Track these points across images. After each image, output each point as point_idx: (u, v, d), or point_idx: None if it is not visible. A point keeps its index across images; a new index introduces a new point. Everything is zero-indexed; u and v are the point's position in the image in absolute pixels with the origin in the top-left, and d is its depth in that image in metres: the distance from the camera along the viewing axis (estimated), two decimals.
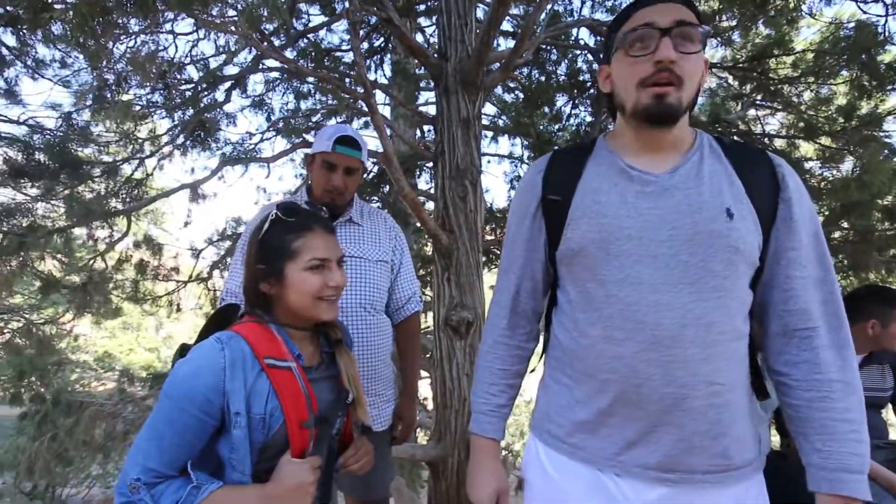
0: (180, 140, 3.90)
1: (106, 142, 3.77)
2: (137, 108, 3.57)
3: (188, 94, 3.67)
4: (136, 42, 3.18)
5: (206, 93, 3.81)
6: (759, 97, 4.55)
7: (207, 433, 0.96)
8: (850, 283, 4.50)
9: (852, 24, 3.81)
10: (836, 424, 0.86)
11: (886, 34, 3.24)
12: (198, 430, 0.94)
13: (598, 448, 0.93)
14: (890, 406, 2.13)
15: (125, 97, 3.49)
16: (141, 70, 2.64)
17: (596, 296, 0.92)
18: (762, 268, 0.92)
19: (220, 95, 3.95)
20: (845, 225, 4.35)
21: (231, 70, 4.05)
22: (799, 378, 0.90)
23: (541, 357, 1.17)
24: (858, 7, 3.17)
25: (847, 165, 4.04)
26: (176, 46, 3.65)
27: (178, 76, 3.74)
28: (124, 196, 3.88)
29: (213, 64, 3.94)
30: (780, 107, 4.51)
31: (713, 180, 0.91)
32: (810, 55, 4.21)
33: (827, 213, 4.42)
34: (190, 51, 3.78)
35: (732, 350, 0.89)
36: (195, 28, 3.37)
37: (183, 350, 1.08)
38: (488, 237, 5.98)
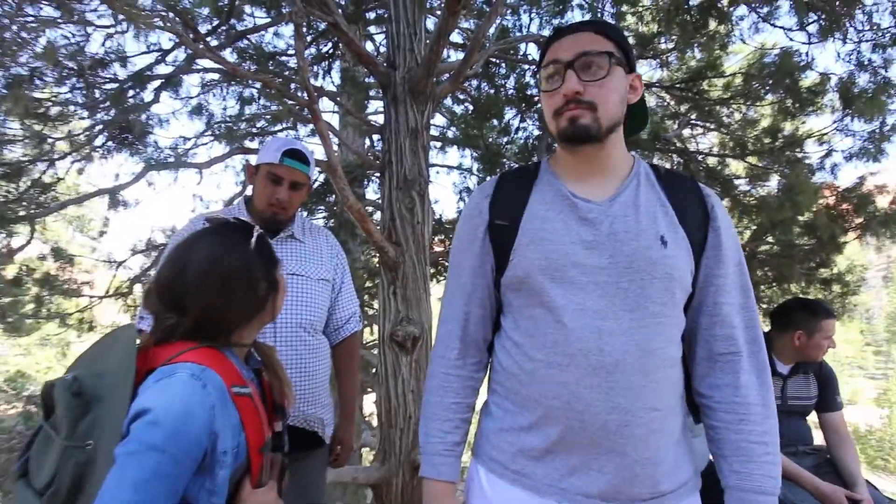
0: (102, 142, 3.55)
1: (9, 140, 3.36)
2: (52, 105, 3.23)
3: (113, 93, 3.35)
4: (50, 34, 2.90)
5: (132, 92, 3.50)
6: (694, 116, 4.80)
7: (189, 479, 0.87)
8: (776, 294, 4.81)
9: (777, 51, 4.11)
10: (753, 447, 0.89)
11: (809, 59, 3.49)
12: (186, 479, 0.84)
13: (540, 475, 0.93)
14: (814, 413, 2.24)
15: (39, 94, 3.17)
16: (54, 63, 2.38)
17: (541, 321, 0.93)
18: (693, 294, 0.96)
19: (149, 96, 3.66)
20: (770, 239, 4.65)
21: (164, 70, 3.77)
22: (720, 400, 0.94)
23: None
24: (785, 34, 3.39)
25: (772, 184, 4.33)
26: (88, 37, 3.29)
27: (102, 74, 3.43)
28: (29, 201, 3.47)
29: (143, 62, 3.64)
30: (712, 126, 4.78)
31: (648, 208, 0.94)
32: (739, 79, 4.50)
33: (755, 227, 4.70)
34: (104, 42, 3.41)
35: (669, 375, 0.91)
36: (116, 21, 3.09)
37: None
38: (437, 248, 5.93)
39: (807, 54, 3.50)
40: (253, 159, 1.72)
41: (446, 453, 1.03)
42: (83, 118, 3.51)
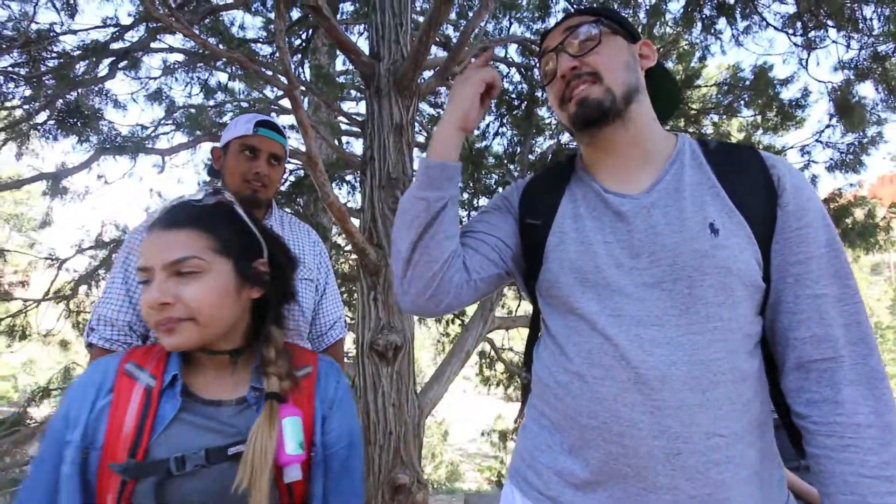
0: (44, 119, 3.10)
1: None
2: None
3: (59, 65, 2.94)
4: None
5: (82, 66, 3.09)
6: (669, 127, 4.85)
7: None
8: None
9: (753, 65, 4.19)
10: (867, 482, 0.69)
11: (799, 67, 3.50)
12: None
13: None
14: None
15: None
16: None
17: (575, 329, 0.83)
18: (769, 289, 0.79)
19: (103, 72, 3.25)
20: None
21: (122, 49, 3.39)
22: (818, 421, 0.75)
23: (523, 405, 1.04)
24: (788, 37, 3.41)
25: None
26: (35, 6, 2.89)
27: (51, 49, 3.02)
28: None
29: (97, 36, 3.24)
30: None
31: (694, 193, 0.81)
32: (715, 90, 4.57)
33: None
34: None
35: (736, 393, 0.74)
36: None
37: None
38: None
39: (806, 61, 3.51)
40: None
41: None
42: (23, 98, 3.08)
